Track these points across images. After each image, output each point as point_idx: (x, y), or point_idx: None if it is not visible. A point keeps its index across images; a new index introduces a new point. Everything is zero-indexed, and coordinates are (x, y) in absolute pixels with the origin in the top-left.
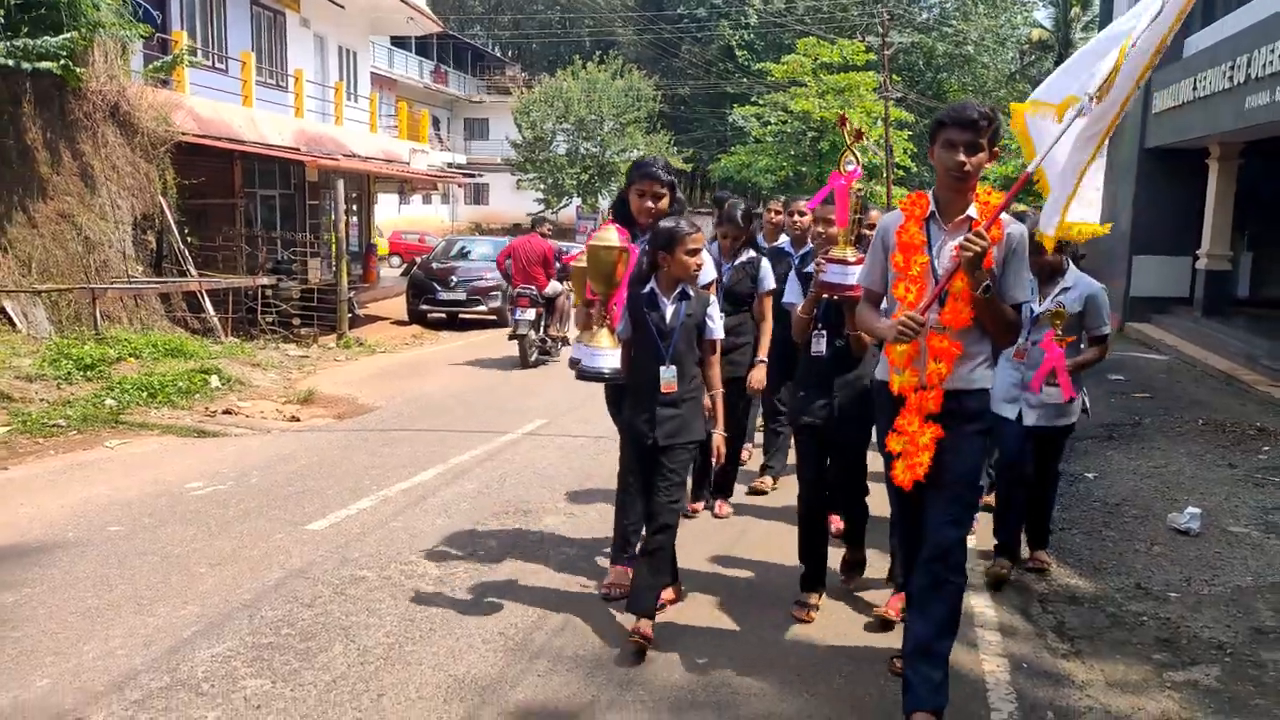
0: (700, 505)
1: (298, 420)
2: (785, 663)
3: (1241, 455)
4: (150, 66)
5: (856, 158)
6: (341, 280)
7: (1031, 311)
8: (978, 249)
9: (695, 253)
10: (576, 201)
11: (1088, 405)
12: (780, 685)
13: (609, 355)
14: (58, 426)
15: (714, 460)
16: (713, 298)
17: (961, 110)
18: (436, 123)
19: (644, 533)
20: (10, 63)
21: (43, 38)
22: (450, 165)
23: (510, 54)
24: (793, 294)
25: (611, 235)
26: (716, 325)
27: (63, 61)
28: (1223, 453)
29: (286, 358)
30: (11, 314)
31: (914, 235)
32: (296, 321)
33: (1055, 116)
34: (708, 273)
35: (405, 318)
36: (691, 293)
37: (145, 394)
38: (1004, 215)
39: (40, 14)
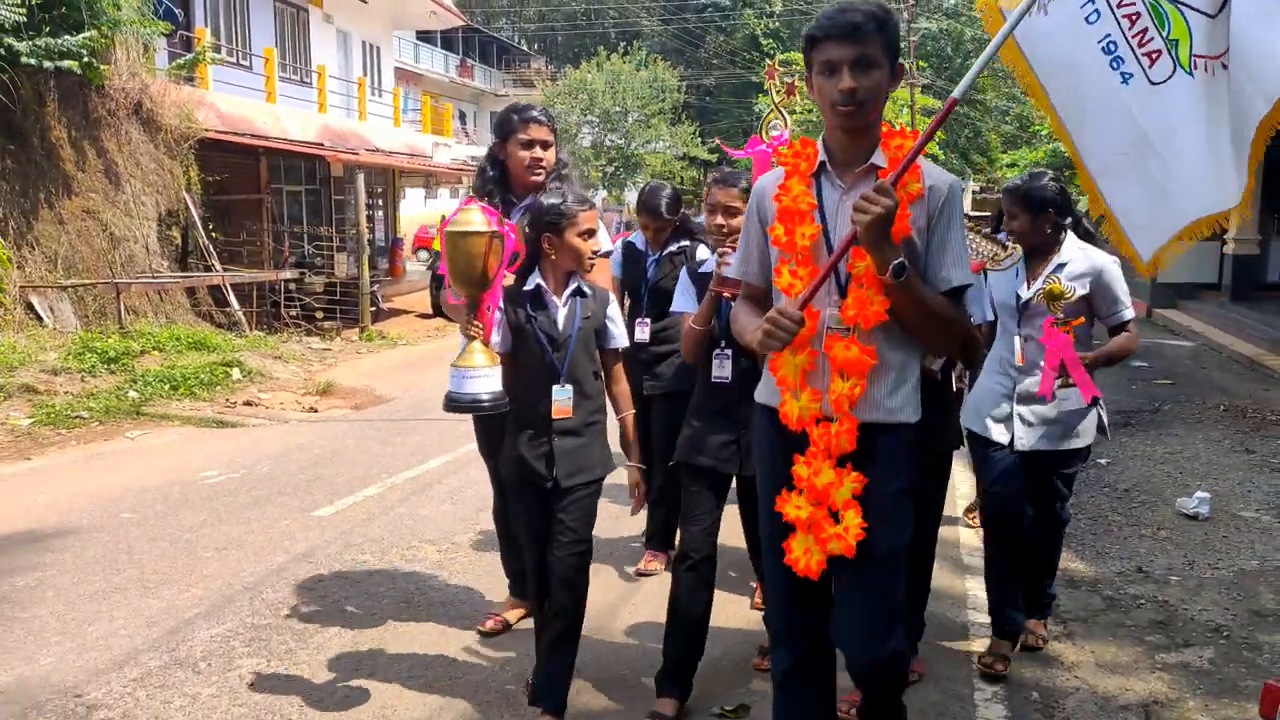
0: (660, 564)
1: (315, 411)
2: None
3: (1260, 441)
4: (174, 64)
5: (784, 119)
6: (363, 274)
7: (1019, 299)
8: (879, 211)
9: (590, 234)
10: (602, 194)
11: (1106, 423)
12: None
13: (486, 376)
14: (80, 418)
15: (635, 498)
16: (612, 296)
17: (837, 16)
18: (463, 116)
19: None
20: (33, 61)
21: (64, 36)
22: (475, 159)
23: (535, 47)
24: (683, 300)
25: (475, 217)
26: (619, 330)
27: (85, 60)
28: (1241, 438)
29: (309, 350)
30: (39, 309)
31: (798, 197)
32: (320, 315)
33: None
34: (601, 242)
35: (429, 310)
36: (588, 289)
37: (167, 386)
38: (925, 162)
39: (61, 13)
